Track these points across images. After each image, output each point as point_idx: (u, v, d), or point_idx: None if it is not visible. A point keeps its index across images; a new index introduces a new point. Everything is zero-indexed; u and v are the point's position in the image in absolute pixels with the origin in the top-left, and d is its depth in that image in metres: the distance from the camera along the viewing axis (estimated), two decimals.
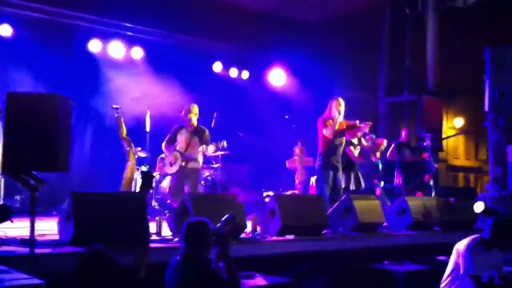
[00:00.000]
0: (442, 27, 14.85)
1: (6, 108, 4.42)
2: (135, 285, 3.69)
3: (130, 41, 11.49)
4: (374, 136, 9.74)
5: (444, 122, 16.58)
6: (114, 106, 7.97)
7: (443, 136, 14.90)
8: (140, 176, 7.64)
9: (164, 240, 6.08)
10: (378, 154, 9.78)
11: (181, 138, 7.96)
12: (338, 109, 8.30)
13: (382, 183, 10.65)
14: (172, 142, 7.97)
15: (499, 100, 11.47)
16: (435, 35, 14.72)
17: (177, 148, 7.92)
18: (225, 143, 7.97)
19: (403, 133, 10.80)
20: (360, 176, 9.19)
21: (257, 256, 6.04)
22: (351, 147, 9.13)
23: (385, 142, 9.75)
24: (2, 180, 8.16)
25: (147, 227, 5.57)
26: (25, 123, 4.35)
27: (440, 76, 14.77)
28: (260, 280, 5.25)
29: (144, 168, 6.40)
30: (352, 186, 9.04)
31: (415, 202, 8.39)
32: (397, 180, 10.37)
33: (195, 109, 8.02)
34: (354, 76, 14.37)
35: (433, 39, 14.68)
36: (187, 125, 7.98)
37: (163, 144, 7.95)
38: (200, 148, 7.87)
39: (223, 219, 4.31)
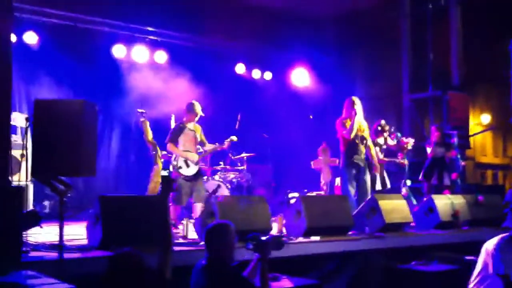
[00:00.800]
0: (465, 20, 14.60)
1: (34, 115, 4.50)
2: (162, 286, 3.72)
3: (154, 45, 11.59)
4: (399, 134, 9.64)
5: (471, 119, 16.34)
6: (139, 110, 8.03)
7: (470, 133, 14.66)
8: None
9: (190, 243, 6.12)
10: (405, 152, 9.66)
11: (186, 138, 7.72)
12: (354, 108, 8.23)
13: (408, 182, 10.54)
14: (176, 141, 7.68)
15: None
16: (459, 27, 14.48)
17: (182, 148, 7.65)
18: (234, 138, 7.94)
19: (434, 131, 10.59)
20: (385, 175, 9.12)
21: (282, 258, 6.02)
22: (377, 148, 9.05)
23: (411, 141, 9.63)
24: (31, 186, 8.31)
25: (170, 230, 5.64)
26: (52, 129, 4.42)
27: (465, 71, 14.53)
28: (286, 282, 5.25)
29: (164, 173, 6.42)
30: (378, 186, 8.97)
31: (442, 201, 8.30)
32: (433, 178, 10.21)
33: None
34: (376, 72, 14.24)
35: (456, 32, 14.43)
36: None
37: (170, 145, 7.64)
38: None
39: (271, 235, 4.36)
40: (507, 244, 5.18)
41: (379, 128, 9.17)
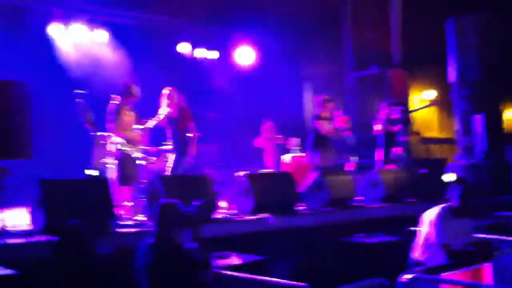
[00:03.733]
0: None
1: None
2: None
3: (93, 23, 11.20)
4: (341, 111, 9.75)
5: (415, 95, 16.72)
6: (78, 91, 7.76)
7: (410, 108, 15.02)
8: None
9: (138, 224, 6.02)
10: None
11: (125, 119, 7.59)
12: None
13: (354, 158, 10.71)
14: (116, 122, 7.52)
15: (462, 70, 11.63)
16: (399, 6, 14.74)
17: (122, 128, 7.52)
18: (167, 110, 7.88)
19: (383, 107, 10.71)
20: (332, 151, 9.20)
21: (231, 235, 6.03)
22: (321, 121, 9.09)
23: (348, 118, 9.75)
24: None
25: (112, 212, 5.55)
26: None
27: (405, 49, 14.83)
28: (234, 259, 5.26)
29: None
30: (326, 162, 9.04)
31: (386, 175, 8.48)
32: (378, 153, 10.38)
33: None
34: (320, 52, 14.34)
35: (397, 10, 14.71)
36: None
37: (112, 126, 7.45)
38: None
39: (195, 203, 4.30)
40: (447, 213, 5.34)
41: (322, 100, 9.21)
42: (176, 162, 8.03)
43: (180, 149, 8.11)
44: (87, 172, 6.76)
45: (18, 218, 6.34)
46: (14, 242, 4.80)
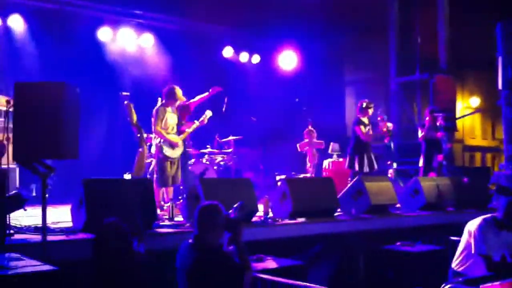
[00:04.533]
0: (453, 3, 14.59)
1: (14, 98, 4.46)
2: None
3: (140, 28, 11.48)
4: (386, 117, 9.65)
5: (460, 102, 16.39)
6: (124, 93, 7.95)
7: (458, 115, 14.72)
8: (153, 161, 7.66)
9: (176, 225, 6.12)
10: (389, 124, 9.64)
11: (169, 121, 7.68)
12: None
13: (395, 164, 10.59)
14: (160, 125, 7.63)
15: (508, 76, 11.31)
16: (446, 11, 14.48)
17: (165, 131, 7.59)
18: (209, 113, 7.95)
19: (427, 114, 10.54)
20: (373, 156, 9.13)
21: (268, 239, 6.06)
22: (361, 126, 9.04)
23: (390, 124, 9.62)
24: (17, 169, 8.26)
25: (155, 213, 5.66)
26: (33, 112, 4.38)
27: (453, 54, 14.55)
28: (271, 263, 5.28)
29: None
30: (366, 168, 8.99)
31: (428, 183, 8.36)
32: (420, 160, 10.24)
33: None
34: (364, 56, 14.24)
35: (444, 15, 14.45)
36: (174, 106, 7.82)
37: (156, 129, 7.57)
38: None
39: (235, 206, 4.33)
40: (489, 225, 5.22)
41: (363, 105, 9.16)
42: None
43: None
44: (126, 176, 6.92)
45: (60, 216, 6.56)
46: (55, 239, 4.94)
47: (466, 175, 9.11)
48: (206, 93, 8.46)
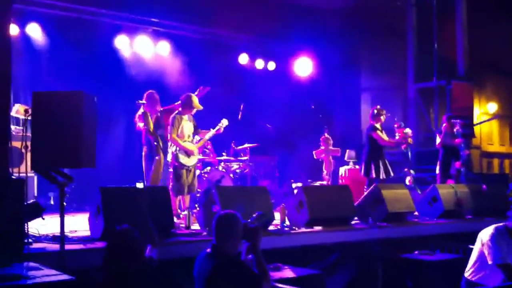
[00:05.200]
0: (471, 9, 14.48)
1: (32, 107, 4.49)
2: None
3: (157, 36, 11.55)
4: (403, 123, 9.59)
5: (477, 108, 16.24)
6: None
7: (475, 122, 14.58)
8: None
9: (193, 234, 6.13)
10: (410, 139, 9.58)
11: (184, 129, 7.69)
12: None
13: (412, 171, 10.50)
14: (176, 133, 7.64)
15: None
16: (464, 17, 14.37)
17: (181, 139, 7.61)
18: (225, 121, 7.94)
19: (444, 121, 10.45)
20: (388, 164, 9.07)
21: (285, 248, 6.04)
22: (378, 132, 9.00)
23: (408, 131, 9.54)
24: (35, 178, 8.33)
25: (172, 221, 5.66)
26: (51, 121, 4.41)
27: (470, 60, 14.43)
28: (288, 272, 5.25)
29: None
30: (382, 175, 8.94)
31: (446, 190, 8.28)
32: (438, 168, 10.16)
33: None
34: (381, 63, 14.16)
35: (462, 20, 14.34)
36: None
37: (172, 137, 7.56)
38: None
39: (253, 215, 4.32)
40: (501, 234, 5.15)
41: (375, 112, 9.13)
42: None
43: None
44: (138, 184, 6.93)
45: (77, 224, 6.59)
46: (73, 248, 4.99)
47: (484, 182, 9.00)
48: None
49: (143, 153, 7.93)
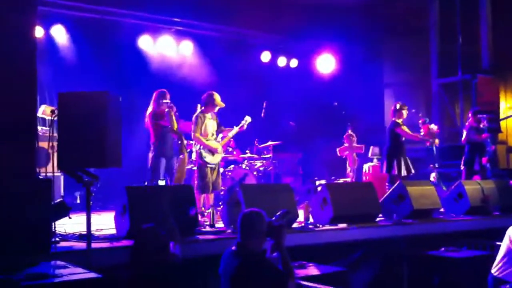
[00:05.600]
0: (495, 3, 14.25)
1: (58, 108, 4.56)
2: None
3: (179, 36, 11.61)
4: (427, 119, 9.49)
5: (503, 102, 15.96)
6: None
7: (501, 116, 14.34)
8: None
9: (217, 231, 6.15)
10: (437, 140, 9.48)
11: (208, 128, 7.73)
12: None
13: (438, 167, 10.39)
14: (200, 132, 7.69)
15: None
16: (489, 10, 14.15)
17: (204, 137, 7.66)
18: (248, 118, 7.94)
19: (470, 116, 10.30)
20: (409, 161, 8.98)
21: (309, 245, 6.03)
22: (402, 127, 8.91)
23: (434, 126, 9.43)
24: (62, 177, 8.45)
25: (196, 219, 5.70)
26: (76, 121, 4.48)
27: (495, 54, 14.19)
28: (312, 270, 5.25)
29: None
30: (404, 172, 8.85)
31: (472, 186, 8.17)
32: (463, 163, 10.03)
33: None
34: (404, 58, 14.02)
35: (486, 14, 14.12)
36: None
37: (196, 136, 7.63)
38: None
39: (278, 213, 4.33)
40: None
41: (398, 107, 9.04)
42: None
43: None
44: (160, 182, 6.98)
45: (103, 222, 6.67)
46: (99, 246, 5.04)
47: (511, 178, 8.87)
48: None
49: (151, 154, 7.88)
